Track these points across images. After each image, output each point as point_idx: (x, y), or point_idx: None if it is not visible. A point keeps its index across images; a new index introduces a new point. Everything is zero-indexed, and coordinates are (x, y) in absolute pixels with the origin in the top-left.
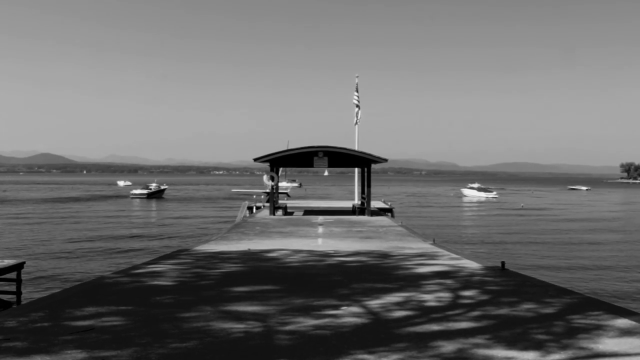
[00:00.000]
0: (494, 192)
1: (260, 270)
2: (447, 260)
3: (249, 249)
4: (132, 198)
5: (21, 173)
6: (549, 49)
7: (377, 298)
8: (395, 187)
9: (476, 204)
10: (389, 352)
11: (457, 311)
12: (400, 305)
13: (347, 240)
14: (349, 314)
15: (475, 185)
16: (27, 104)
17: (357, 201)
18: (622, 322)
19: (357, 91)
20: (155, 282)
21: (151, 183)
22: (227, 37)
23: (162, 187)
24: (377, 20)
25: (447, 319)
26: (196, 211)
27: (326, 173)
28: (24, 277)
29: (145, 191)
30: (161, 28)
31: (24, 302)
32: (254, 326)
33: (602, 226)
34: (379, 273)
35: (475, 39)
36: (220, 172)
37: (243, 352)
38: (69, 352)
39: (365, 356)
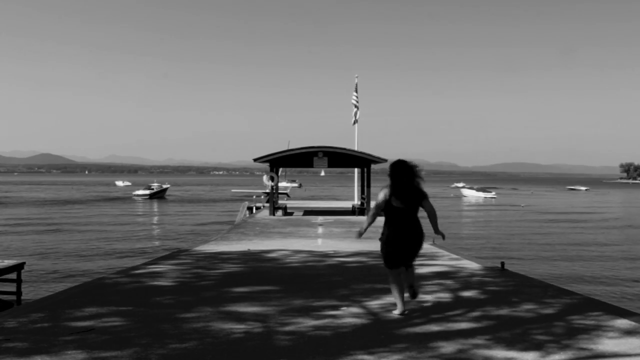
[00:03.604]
0: (493, 192)
1: (260, 271)
2: (446, 261)
3: (249, 250)
4: (135, 198)
5: (15, 173)
6: (549, 49)
7: (377, 298)
8: None
9: (475, 205)
10: (388, 353)
11: (456, 311)
12: None
13: (346, 241)
14: (348, 315)
15: (461, 184)
16: (27, 104)
17: (356, 201)
18: (622, 323)
19: (357, 91)
20: (155, 283)
21: (152, 183)
22: (227, 37)
23: (164, 187)
24: (377, 20)
25: (447, 319)
26: (197, 211)
27: (323, 173)
28: (24, 277)
29: (147, 192)
30: (161, 28)
31: (24, 302)
32: (253, 327)
33: (601, 226)
34: (379, 273)
35: (475, 39)
36: (220, 173)
37: (243, 353)
38: (69, 352)
39: (365, 356)
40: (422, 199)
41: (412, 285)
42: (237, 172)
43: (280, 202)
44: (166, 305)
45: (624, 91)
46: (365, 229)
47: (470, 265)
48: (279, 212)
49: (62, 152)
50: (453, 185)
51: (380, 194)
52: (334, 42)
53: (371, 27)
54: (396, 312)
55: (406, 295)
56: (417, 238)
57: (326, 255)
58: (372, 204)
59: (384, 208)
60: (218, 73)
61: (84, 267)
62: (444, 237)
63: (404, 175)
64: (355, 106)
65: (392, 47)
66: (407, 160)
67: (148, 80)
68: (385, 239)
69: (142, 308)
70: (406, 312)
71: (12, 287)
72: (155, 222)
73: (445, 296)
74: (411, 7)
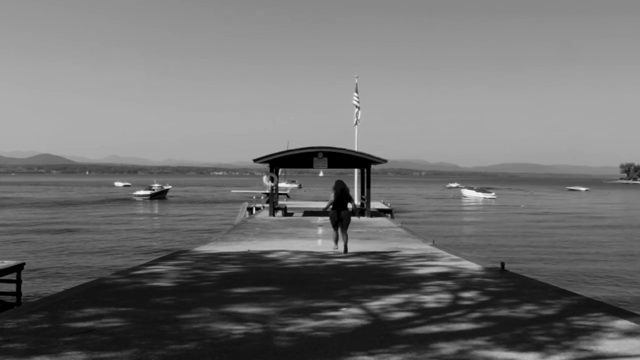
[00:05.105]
0: (492, 193)
1: (260, 272)
2: (447, 262)
3: (249, 250)
4: (135, 198)
5: (13, 174)
6: (549, 48)
7: (376, 299)
8: (394, 189)
9: (474, 205)
10: (389, 354)
11: (457, 312)
12: (400, 306)
13: None
14: (348, 315)
15: (455, 184)
16: (27, 104)
17: (356, 202)
18: (622, 324)
19: (357, 92)
20: (155, 283)
21: (153, 184)
22: (227, 37)
23: (165, 187)
24: (376, 19)
25: (447, 320)
26: (197, 212)
27: (321, 174)
28: (24, 278)
29: (148, 192)
30: (161, 26)
31: (24, 303)
32: (253, 327)
33: (601, 227)
34: (378, 274)
35: (476, 38)
36: (220, 173)
37: (243, 354)
38: (69, 353)
39: (365, 357)
40: (349, 199)
41: (345, 242)
42: (237, 173)
43: (280, 202)
44: (166, 306)
45: (624, 91)
46: (325, 210)
47: (471, 266)
48: (279, 213)
49: (62, 152)
50: (448, 186)
51: (331, 195)
52: (334, 42)
53: (371, 25)
54: (331, 249)
55: (405, 296)
56: (346, 217)
57: (326, 256)
58: (372, 204)
59: (333, 202)
60: (218, 73)
61: (84, 268)
62: (357, 215)
63: (341, 187)
64: (356, 107)
65: (391, 46)
66: (342, 180)
67: (148, 80)
68: (330, 216)
69: (142, 309)
70: (337, 249)
71: (12, 288)
72: (155, 222)
73: (445, 297)
74: (410, 4)
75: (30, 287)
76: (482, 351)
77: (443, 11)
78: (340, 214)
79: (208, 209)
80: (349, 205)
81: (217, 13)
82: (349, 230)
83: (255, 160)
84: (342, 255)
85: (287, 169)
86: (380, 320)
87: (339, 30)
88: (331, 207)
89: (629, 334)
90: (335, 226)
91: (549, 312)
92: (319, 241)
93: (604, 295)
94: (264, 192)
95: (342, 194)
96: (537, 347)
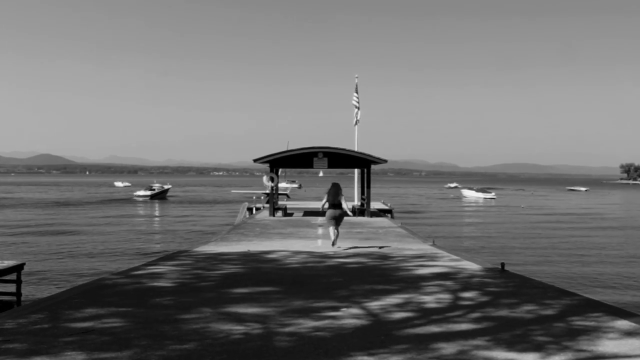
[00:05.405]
0: (492, 193)
1: (260, 272)
2: (447, 262)
3: (249, 250)
4: (135, 198)
5: (12, 174)
6: (549, 50)
7: (377, 299)
8: (394, 189)
9: (474, 205)
10: (389, 354)
11: (457, 313)
12: (400, 306)
13: (346, 242)
14: (348, 316)
15: (454, 184)
16: (27, 104)
17: (356, 202)
18: (622, 324)
19: (357, 92)
20: (155, 284)
21: (153, 184)
22: (227, 37)
23: (166, 187)
24: (376, 19)
25: (447, 320)
26: (197, 212)
27: (321, 174)
28: (24, 278)
29: (148, 192)
30: (161, 26)
31: (24, 303)
32: (253, 328)
33: (601, 227)
34: (378, 274)
35: (476, 38)
36: (220, 173)
37: (242, 354)
38: (69, 353)
39: (365, 357)
40: (341, 197)
41: (336, 236)
42: (237, 173)
43: (280, 202)
44: (166, 306)
45: (624, 91)
46: (322, 208)
47: (471, 266)
48: (279, 213)
49: (62, 152)
50: (447, 186)
51: (325, 195)
52: (334, 42)
53: (371, 25)
54: (330, 249)
55: (405, 296)
56: (340, 215)
57: (326, 256)
58: (372, 204)
59: (329, 201)
60: (218, 73)
61: (84, 268)
62: (356, 215)
63: (335, 188)
64: (356, 107)
65: (392, 46)
66: (337, 182)
67: (148, 80)
68: (326, 214)
69: (142, 309)
70: (335, 245)
71: (12, 288)
72: (155, 223)
73: (445, 297)
74: (410, 4)
75: (31, 288)
76: (482, 351)
77: (443, 11)
78: (335, 212)
79: (208, 209)
80: (343, 205)
81: (217, 13)
82: (350, 231)
83: (255, 161)
84: (342, 255)
85: (287, 169)
86: (380, 320)
87: (339, 30)
88: (327, 205)
89: (629, 334)
90: (333, 220)
91: (549, 312)
92: (319, 241)
93: (603, 298)
94: (264, 192)
95: (336, 194)
96: (537, 347)
